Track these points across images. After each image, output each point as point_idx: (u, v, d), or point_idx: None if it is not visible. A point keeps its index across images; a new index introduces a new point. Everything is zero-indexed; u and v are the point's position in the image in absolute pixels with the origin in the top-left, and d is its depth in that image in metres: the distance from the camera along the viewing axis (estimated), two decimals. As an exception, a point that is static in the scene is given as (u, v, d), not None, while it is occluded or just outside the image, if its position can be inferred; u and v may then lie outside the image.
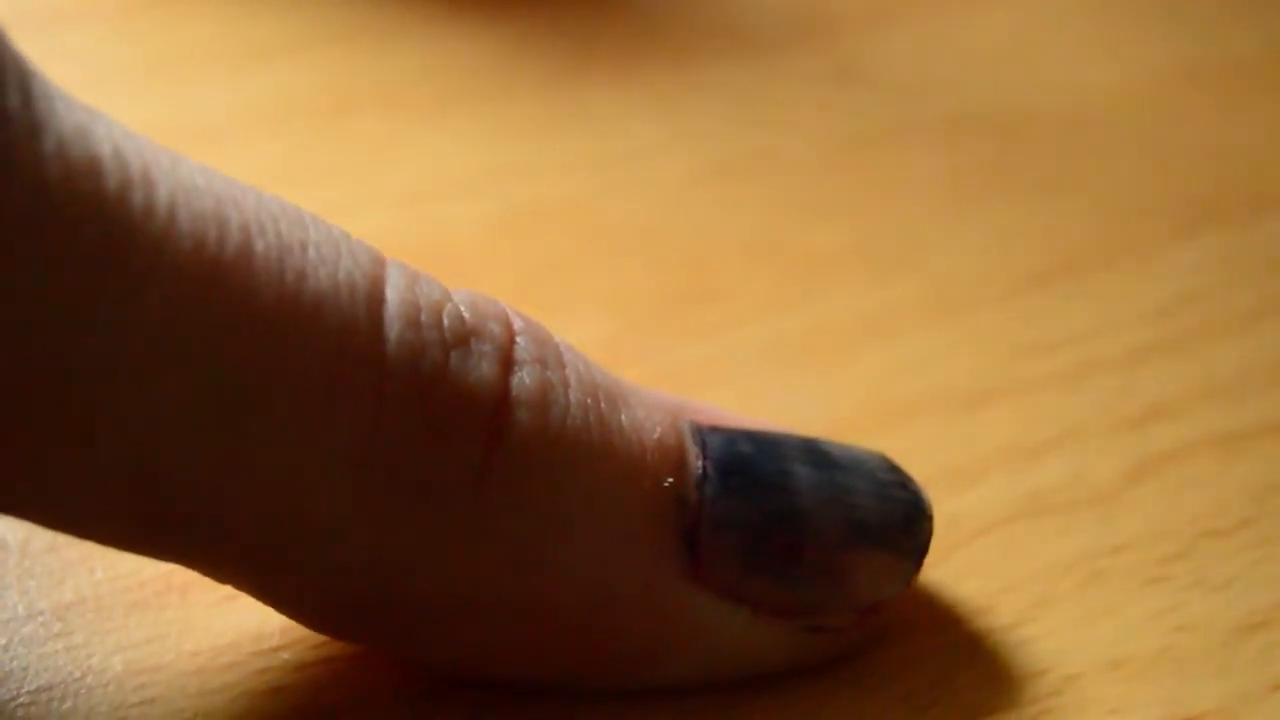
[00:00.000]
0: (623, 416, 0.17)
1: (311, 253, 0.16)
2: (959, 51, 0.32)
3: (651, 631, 0.18)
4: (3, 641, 0.18)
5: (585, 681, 0.18)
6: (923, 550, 0.18)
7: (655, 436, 0.17)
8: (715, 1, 0.32)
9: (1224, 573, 0.20)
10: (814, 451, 0.18)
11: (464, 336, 0.16)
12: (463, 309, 0.17)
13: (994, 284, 0.25)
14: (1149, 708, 0.18)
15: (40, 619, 0.19)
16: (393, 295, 0.16)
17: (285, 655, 0.18)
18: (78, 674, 0.18)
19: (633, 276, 0.25)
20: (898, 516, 0.18)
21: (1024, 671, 0.19)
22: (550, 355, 0.17)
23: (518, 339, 0.17)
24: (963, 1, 0.33)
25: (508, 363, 0.17)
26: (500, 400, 0.16)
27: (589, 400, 0.17)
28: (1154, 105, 0.30)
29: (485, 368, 0.16)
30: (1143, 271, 0.26)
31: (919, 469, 0.19)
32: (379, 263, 0.16)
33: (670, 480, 0.17)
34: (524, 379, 0.17)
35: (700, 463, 0.18)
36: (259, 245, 0.15)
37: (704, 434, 0.18)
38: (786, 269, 0.25)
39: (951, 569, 0.20)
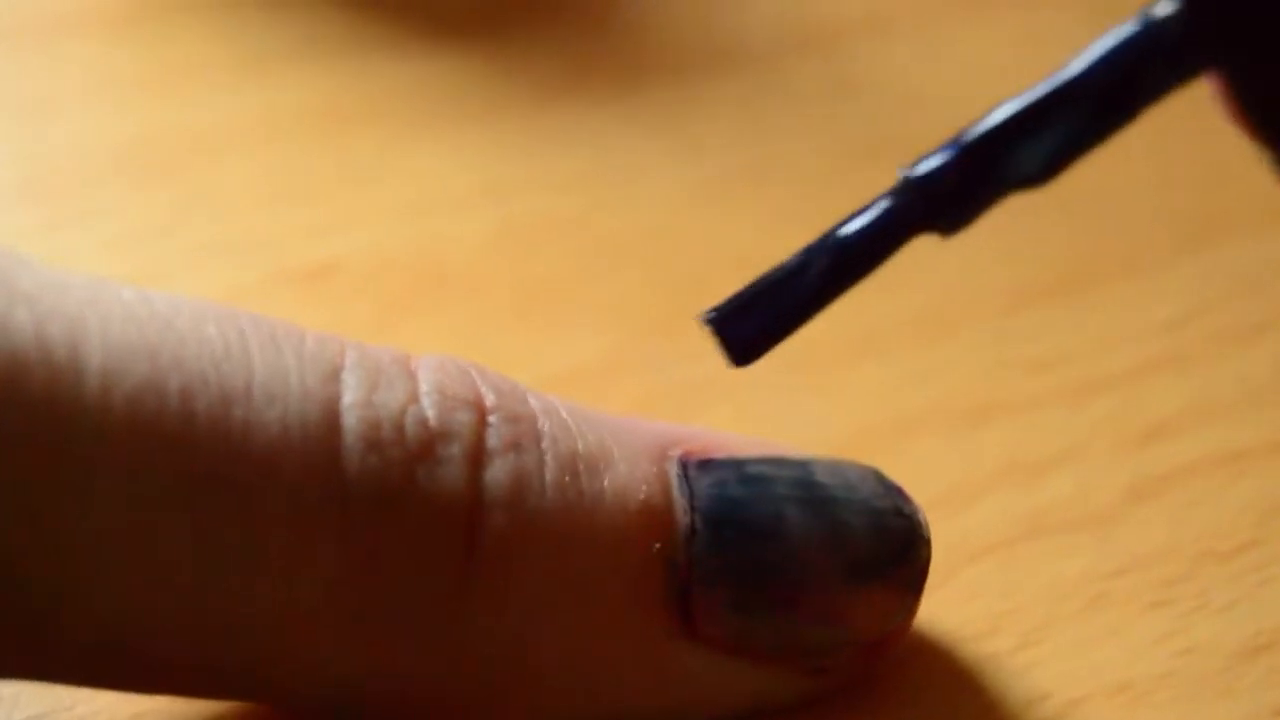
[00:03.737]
0: (605, 483, 0.17)
1: (258, 394, 0.15)
2: (957, 63, 0.31)
3: (652, 697, 0.17)
4: (-7, 668, 0.18)
5: None
6: (922, 577, 0.18)
7: (640, 499, 0.17)
8: (712, 15, 0.32)
9: (1228, 595, 0.20)
10: (806, 484, 0.18)
11: (429, 444, 0.16)
12: (426, 408, 0.16)
13: (994, 300, 0.25)
14: (1153, 732, 0.18)
15: (31, 645, 0.18)
16: (349, 417, 0.16)
17: (279, 681, 0.18)
18: (69, 702, 0.18)
19: (630, 292, 0.25)
20: (895, 548, 0.18)
21: (1028, 696, 0.19)
22: (525, 434, 0.17)
23: (489, 421, 0.17)
24: (960, 13, 0.33)
25: (478, 461, 0.16)
26: (472, 507, 0.16)
27: (567, 477, 0.17)
28: (1155, 118, 0.30)
29: (454, 474, 0.16)
30: (1145, 287, 0.25)
31: (920, 488, 0.19)
32: (333, 377, 0.16)
33: (658, 545, 0.17)
34: (497, 475, 0.16)
35: (688, 517, 0.17)
36: (200, 404, 0.15)
37: (691, 479, 0.17)
38: (785, 284, 0.25)
39: (954, 590, 0.20)
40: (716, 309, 0.16)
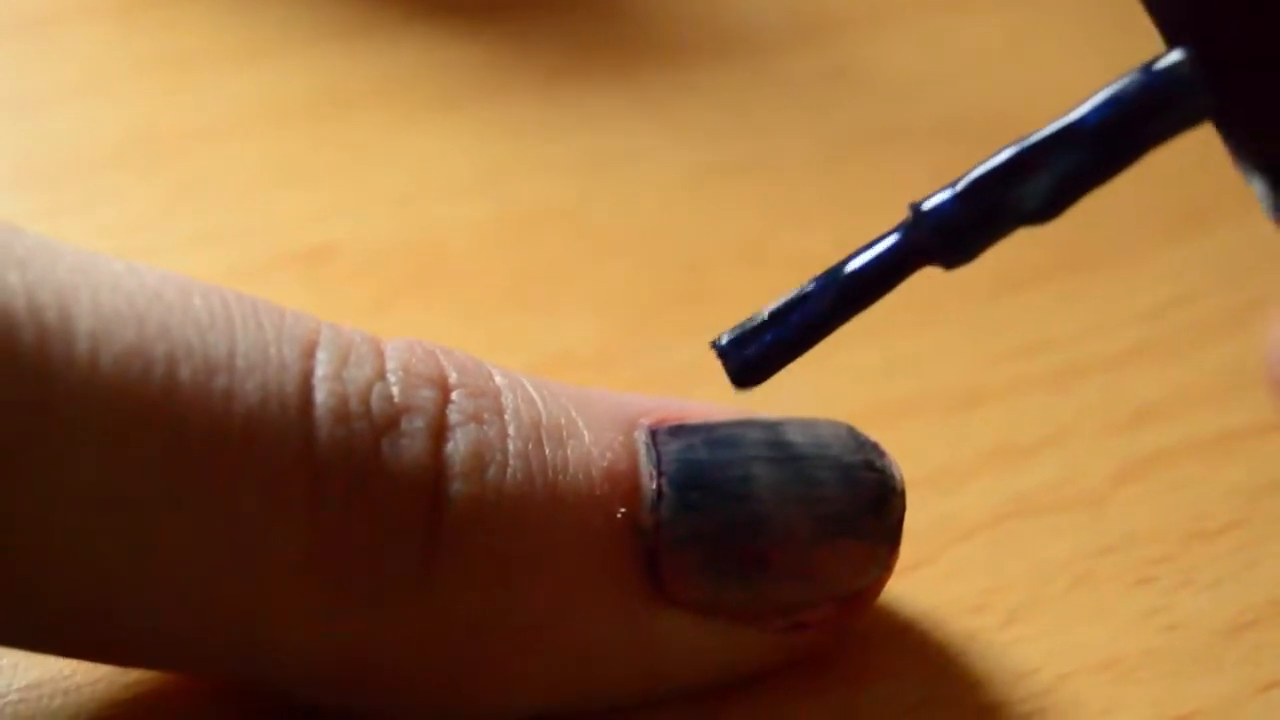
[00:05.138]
0: (568, 451, 0.17)
1: (239, 363, 0.16)
2: (952, 54, 0.32)
3: (627, 663, 0.17)
4: (-7, 639, 0.18)
5: (573, 712, 0.18)
6: (896, 530, 0.18)
7: (604, 465, 0.17)
8: (709, 4, 0.32)
9: (1213, 573, 0.20)
10: (776, 444, 0.18)
11: (394, 418, 0.16)
12: (392, 384, 0.17)
13: (984, 285, 0.25)
14: (1139, 707, 0.19)
15: (31, 617, 0.19)
16: (321, 391, 0.16)
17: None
18: (67, 671, 0.18)
19: (626, 278, 0.25)
20: (866, 501, 0.18)
21: (1014, 671, 0.19)
22: (487, 407, 0.17)
23: (452, 397, 0.17)
24: (955, 4, 0.33)
25: (440, 433, 0.17)
26: (435, 478, 0.16)
27: (530, 446, 0.17)
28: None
29: (417, 447, 0.16)
30: (1131, 273, 0.26)
31: (909, 469, 0.19)
32: (309, 352, 0.16)
33: (623, 510, 0.17)
34: (458, 445, 0.17)
35: (655, 482, 0.17)
36: (184, 372, 0.15)
37: (659, 445, 0.18)
38: (779, 271, 0.25)
39: (942, 568, 0.20)
40: (725, 334, 0.17)
